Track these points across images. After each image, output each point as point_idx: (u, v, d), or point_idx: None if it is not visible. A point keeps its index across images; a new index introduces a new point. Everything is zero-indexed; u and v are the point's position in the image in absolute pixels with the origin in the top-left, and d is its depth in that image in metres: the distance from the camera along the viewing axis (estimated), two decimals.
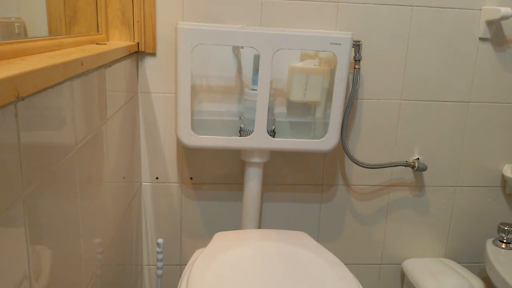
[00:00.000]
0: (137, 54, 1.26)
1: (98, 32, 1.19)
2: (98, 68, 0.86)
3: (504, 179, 1.44)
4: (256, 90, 1.19)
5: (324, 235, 1.46)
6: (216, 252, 1.06)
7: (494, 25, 1.30)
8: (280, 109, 1.31)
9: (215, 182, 1.39)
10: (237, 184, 1.39)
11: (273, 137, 1.23)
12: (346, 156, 1.38)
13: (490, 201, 1.47)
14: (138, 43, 1.24)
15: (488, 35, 1.31)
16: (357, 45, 1.25)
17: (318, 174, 1.40)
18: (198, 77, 1.27)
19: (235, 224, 1.43)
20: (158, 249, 1.27)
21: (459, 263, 1.50)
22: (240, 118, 1.28)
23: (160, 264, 1.29)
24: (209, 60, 1.26)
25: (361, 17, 1.28)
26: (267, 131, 1.19)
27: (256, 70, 1.21)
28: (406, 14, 1.29)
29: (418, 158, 1.40)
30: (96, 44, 1.06)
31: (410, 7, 1.28)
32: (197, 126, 1.27)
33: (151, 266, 1.44)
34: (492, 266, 1.23)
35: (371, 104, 1.35)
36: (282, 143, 1.21)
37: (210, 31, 1.11)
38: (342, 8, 1.27)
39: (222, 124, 1.29)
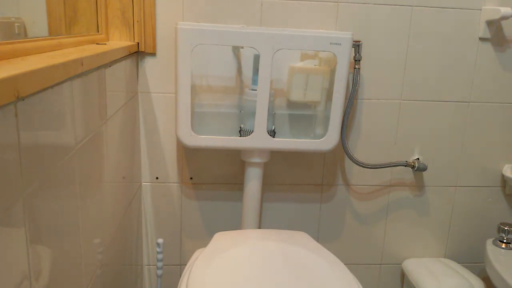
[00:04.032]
0: (137, 54, 1.26)
1: (98, 32, 1.19)
2: (98, 68, 0.86)
3: (504, 179, 1.44)
4: (256, 90, 1.19)
5: (324, 235, 1.46)
6: (216, 252, 1.06)
7: (494, 25, 1.30)
8: (280, 109, 1.31)
9: (215, 182, 1.39)
10: (237, 184, 1.39)
11: (273, 137, 1.23)
12: (346, 156, 1.38)
13: (490, 201, 1.47)
14: (138, 43, 1.24)
15: (488, 35, 1.31)
16: (357, 45, 1.25)
17: (318, 174, 1.40)
18: (198, 77, 1.27)
19: (235, 224, 1.43)
20: (158, 249, 1.27)
21: (459, 263, 1.50)
22: (240, 111, 1.28)
23: (160, 264, 1.29)
24: (209, 60, 1.26)
25: (361, 17, 1.28)
26: (267, 131, 1.19)
27: (256, 70, 1.21)
28: (406, 14, 1.29)
29: (418, 158, 1.40)
30: (96, 44, 1.06)
31: (410, 7, 1.28)
32: (197, 126, 1.27)
33: (151, 266, 1.44)
34: (492, 266, 1.23)
35: (371, 104, 1.35)
36: (282, 143, 1.21)
37: (210, 31, 1.11)
38: (342, 8, 1.27)
39: (222, 124, 1.29)
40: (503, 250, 1.29)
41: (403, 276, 1.51)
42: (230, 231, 1.20)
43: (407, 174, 1.43)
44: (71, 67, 0.68)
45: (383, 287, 1.53)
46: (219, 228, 1.43)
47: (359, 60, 1.26)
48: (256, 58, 1.20)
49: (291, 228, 1.45)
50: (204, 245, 1.42)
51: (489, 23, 1.29)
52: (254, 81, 1.22)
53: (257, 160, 1.26)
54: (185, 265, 1.45)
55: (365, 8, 1.27)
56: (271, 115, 1.27)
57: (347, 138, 1.36)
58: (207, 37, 1.12)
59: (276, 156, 1.37)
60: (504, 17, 1.24)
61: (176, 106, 1.17)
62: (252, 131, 1.20)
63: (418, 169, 1.36)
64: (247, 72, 1.27)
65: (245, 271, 0.99)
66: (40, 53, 0.74)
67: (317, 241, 1.44)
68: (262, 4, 1.24)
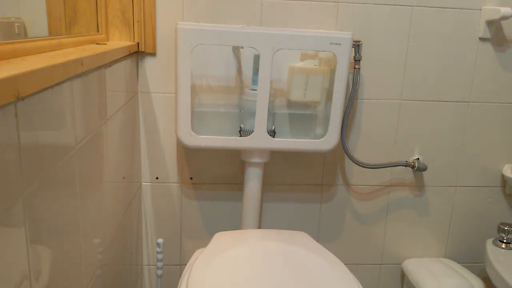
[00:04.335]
0: (137, 54, 1.26)
1: (98, 32, 1.19)
2: (98, 68, 0.86)
3: (504, 179, 1.44)
4: (256, 90, 1.19)
5: (324, 235, 1.46)
6: (216, 252, 1.06)
7: (494, 25, 1.29)
8: (280, 109, 1.31)
9: (215, 182, 1.39)
10: (237, 184, 1.39)
11: (273, 137, 1.23)
12: (346, 156, 1.38)
13: (490, 201, 1.47)
14: (138, 43, 1.24)
15: (488, 35, 1.31)
16: (357, 45, 1.25)
17: (318, 174, 1.40)
18: (198, 77, 1.27)
19: (235, 224, 1.43)
20: (158, 249, 1.27)
21: (459, 263, 1.50)
22: (240, 111, 1.28)
23: (160, 264, 1.29)
24: (209, 60, 1.26)
25: (361, 17, 1.28)
26: (267, 131, 1.19)
27: (256, 70, 1.21)
28: (406, 14, 1.29)
29: (418, 158, 1.40)
30: (96, 44, 1.06)
31: (410, 7, 1.28)
32: (197, 126, 1.28)
33: (151, 266, 1.44)
34: (492, 266, 1.23)
35: (371, 104, 1.35)
36: (282, 143, 1.21)
37: (210, 31, 1.11)
38: (342, 8, 1.27)
39: (222, 124, 1.29)
40: (503, 250, 1.29)
41: (403, 276, 1.51)
42: (230, 231, 1.20)
43: (407, 174, 1.43)
44: (71, 67, 0.68)
45: (383, 287, 1.53)
46: (219, 228, 1.43)
47: (359, 60, 1.26)
48: (256, 58, 1.20)
49: (291, 228, 1.45)
50: (204, 245, 1.42)
51: (489, 23, 1.29)
52: (254, 81, 1.22)
53: (257, 160, 1.26)
54: (185, 265, 1.45)
55: (365, 8, 1.27)
56: (271, 115, 1.27)
57: (347, 138, 1.36)
58: (207, 37, 1.12)
59: (276, 156, 1.37)
60: (504, 17, 1.24)
61: (176, 106, 1.17)
62: (252, 131, 1.20)
63: (418, 169, 1.37)
64: (247, 72, 1.28)
65: (245, 271, 0.99)
66: (40, 53, 0.74)
67: (317, 241, 1.44)
68: (262, 4, 1.25)
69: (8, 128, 0.50)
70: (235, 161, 1.37)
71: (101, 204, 0.91)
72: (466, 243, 1.51)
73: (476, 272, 1.54)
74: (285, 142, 1.22)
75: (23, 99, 0.54)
